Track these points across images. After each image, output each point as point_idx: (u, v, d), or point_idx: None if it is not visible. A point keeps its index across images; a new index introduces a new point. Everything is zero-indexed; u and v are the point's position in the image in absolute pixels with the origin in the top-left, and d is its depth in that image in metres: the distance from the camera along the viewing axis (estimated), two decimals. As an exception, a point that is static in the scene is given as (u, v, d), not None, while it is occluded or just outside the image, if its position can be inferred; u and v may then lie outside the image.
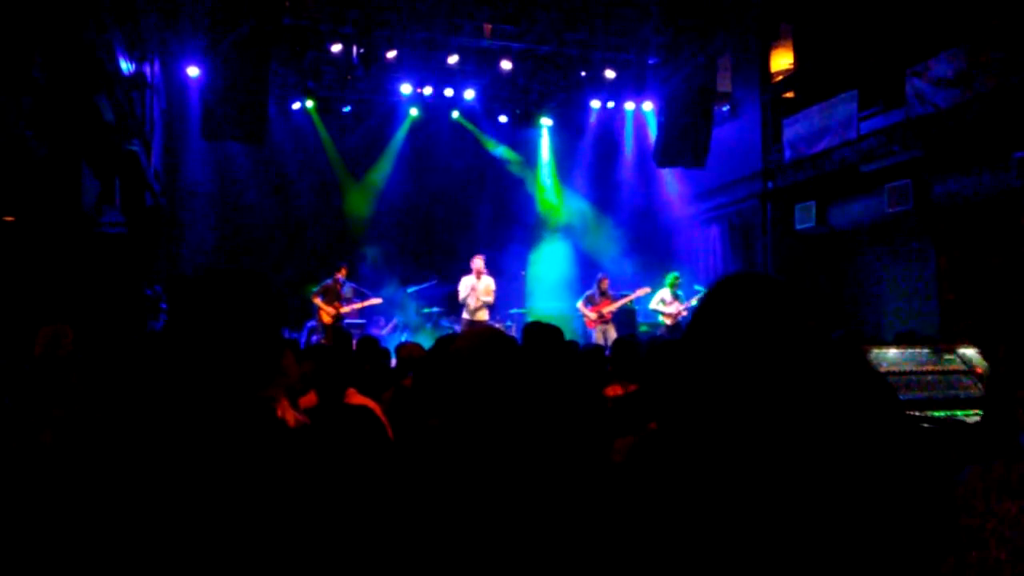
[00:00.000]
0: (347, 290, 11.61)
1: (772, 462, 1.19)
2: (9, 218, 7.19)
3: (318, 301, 11.36)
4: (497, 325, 12.15)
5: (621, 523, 1.38)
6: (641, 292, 11.89)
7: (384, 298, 12.43)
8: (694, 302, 11.37)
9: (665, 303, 11.57)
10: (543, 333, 3.05)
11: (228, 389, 1.40)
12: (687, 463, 1.22)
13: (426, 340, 8.05)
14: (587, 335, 12.03)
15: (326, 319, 11.26)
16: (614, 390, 4.44)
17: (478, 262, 11.11)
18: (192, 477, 1.31)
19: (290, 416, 2.62)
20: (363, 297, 11.78)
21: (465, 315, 11.25)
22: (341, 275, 11.48)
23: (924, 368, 4.15)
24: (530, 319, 12.39)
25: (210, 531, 1.30)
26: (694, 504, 1.19)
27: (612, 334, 11.26)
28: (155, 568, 1.28)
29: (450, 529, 1.85)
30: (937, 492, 1.30)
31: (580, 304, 11.91)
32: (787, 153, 12.46)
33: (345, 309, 11.38)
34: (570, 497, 1.81)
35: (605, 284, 11.84)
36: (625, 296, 11.92)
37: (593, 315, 11.60)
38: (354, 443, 3.25)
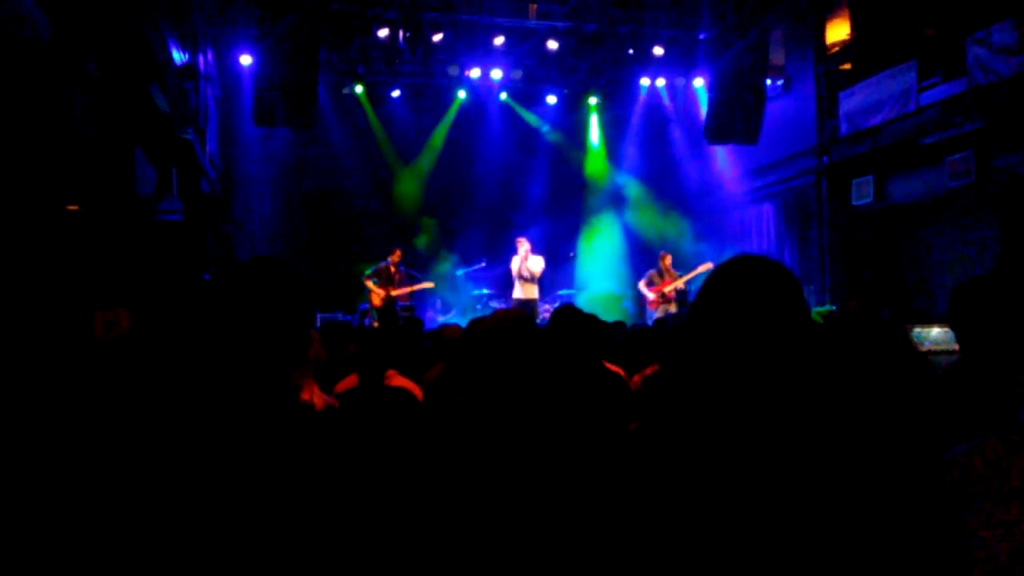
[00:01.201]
0: (400, 273, 11.76)
1: (751, 449, 1.19)
2: (73, 207, 7.46)
3: (370, 284, 11.50)
4: (545, 307, 12.17)
5: (623, 502, 1.39)
6: (704, 268, 11.28)
7: (435, 281, 12.54)
8: None
9: None
10: (568, 316, 3.06)
11: (256, 373, 1.45)
12: (676, 446, 1.23)
13: (473, 322, 8.09)
14: (644, 315, 11.88)
15: (376, 302, 11.41)
16: (654, 369, 4.42)
17: (524, 244, 11.11)
18: (217, 460, 1.37)
19: (318, 399, 2.68)
20: (414, 281, 11.90)
21: (515, 295, 11.28)
22: (395, 258, 11.59)
23: (969, 347, 3.99)
24: (579, 300, 12.38)
25: (233, 512, 1.35)
26: (680, 491, 1.20)
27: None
28: (186, 547, 1.33)
29: (468, 503, 1.90)
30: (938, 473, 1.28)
31: (642, 284, 11.59)
32: (843, 127, 12.12)
33: (396, 292, 11.51)
34: (584, 478, 1.83)
35: (668, 261, 11.41)
36: (687, 274, 11.38)
37: (653, 295, 11.34)
38: (390, 424, 3.32)
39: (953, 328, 1.79)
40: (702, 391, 1.24)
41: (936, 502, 1.24)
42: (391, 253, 11.64)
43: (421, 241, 14.29)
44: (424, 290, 12.61)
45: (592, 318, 3.77)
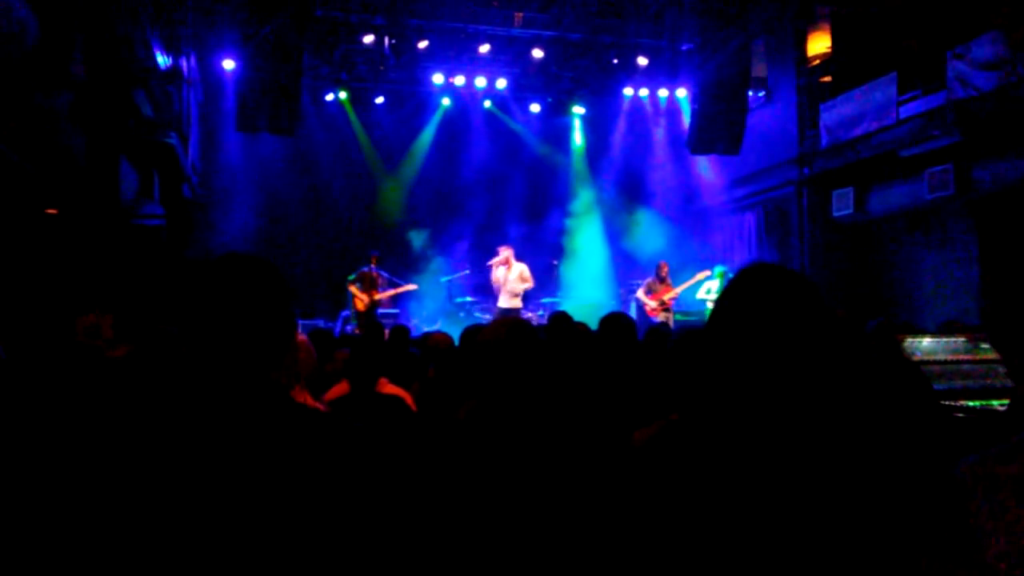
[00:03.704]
0: (382, 278, 11.72)
1: (785, 455, 1.18)
2: (52, 211, 7.36)
3: (354, 289, 11.44)
4: (529, 315, 12.15)
5: (637, 513, 1.38)
6: (701, 276, 11.37)
7: (419, 289, 12.48)
8: None
9: (711, 293, 11.26)
10: (567, 323, 3.06)
11: (238, 369, 1.41)
12: (704, 455, 1.22)
13: (459, 330, 8.04)
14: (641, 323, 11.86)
15: (360, 307, 11.34)
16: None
17: (505, 252, 11.00)
18: (205, 461, 1.33)
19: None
20: (396, 285, 11.85)
21: (500, 304, 11.21)
22: (374, 263, 11.56)
23: (960, 357, 4.09)
24: (563, 308, 12.37)
25: (224, 514, 1.31)
26: (709, 495, 1.19)
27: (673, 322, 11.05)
28: (177, 552, 1.30)
29: (473, 514, 1.88)
30: (948, 483, 1.28)
31: (640, 292, 11.56)
32: (824, 138, 12.26)
33: (379, 296, 11.46)
34: (591, 485, 1.82)
35: (665, 270, 11.34)
36: (685, 282, 11.39)
37: (654, 303, 11.30)
38: (384, 431, 3.29)
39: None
40: (728, 400, 1.23)
41: (949, 507, 1.24)
42: (371, 258, 11.59)
43: (405, 248, 14.24)
44: (409, 298, 12.55)
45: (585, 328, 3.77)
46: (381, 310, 11.73)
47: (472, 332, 3.95)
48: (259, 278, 1.45)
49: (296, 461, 1.37)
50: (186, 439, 1.33)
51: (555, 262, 13.93)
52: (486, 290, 12.06)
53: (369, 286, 11.41)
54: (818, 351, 1.19)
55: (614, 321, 3.19)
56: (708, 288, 11.28)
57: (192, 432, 1.34)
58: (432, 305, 13.24)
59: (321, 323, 12.15)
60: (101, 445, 1.37)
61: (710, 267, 11.52)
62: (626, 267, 14.30)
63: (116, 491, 1.31)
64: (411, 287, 12.00)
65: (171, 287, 9.11)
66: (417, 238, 14.36)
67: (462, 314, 12.76)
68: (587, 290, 13.80)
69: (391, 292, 11.69)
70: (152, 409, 1.37)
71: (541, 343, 2.18)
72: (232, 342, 1.41)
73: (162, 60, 8.81)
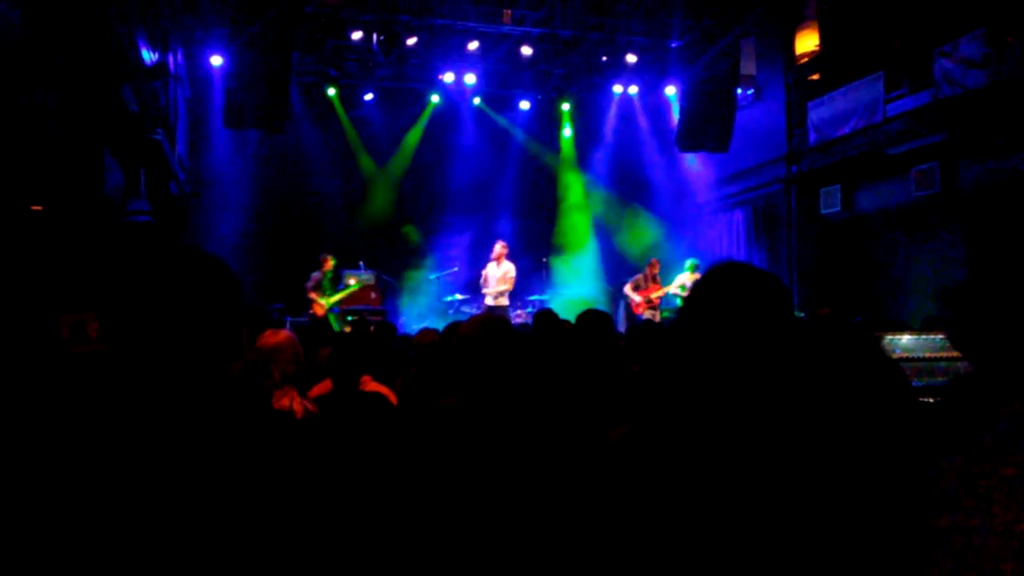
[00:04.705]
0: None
1: (744, 454, 1.19)
2: (37, 207, 7.31)
3: (313, 295, 11.09)
4: (518, 312, 12.16)
5: (609, 510, 1.39)
6: (692, 278, 11.37)
7: (407, 286, 12.40)
8: None
9: (686, 288, 11.29)
10: (552, 320, 3.07)
11: (185, 368, 1.39)
12: (666, 454, 1.23)
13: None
14: (626, 319, 11.91)
15: (319, 311, 10.98)
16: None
17: (498, 248, 11.06)
18: (160, 461, 1.31)
19: (297, 405, 2.64)
20: (345, 286, 11.45)
21: (486, 301, 11.25)
22: (327, 267, 11.10)
23: (939, 354, 4.12)
24: (551, 305, 12.39)
25: (148, 515, 1.29)
26: (671, 493, 1.20)
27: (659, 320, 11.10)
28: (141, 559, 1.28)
29: (452, 507, 1.88)
30: (927, 483, 1.29)
31: (627, 288, 11.61)
32: (812, 136, 12.31)
33: (334, 299, 11.11)
34: (569, 481, 1.83)
35: (656, 268, 11.45)
36: (673, 283, 11.48)
37: (640, 299, 11.38)
38: (367, 429, 3.29)
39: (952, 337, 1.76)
40: (688, 396, 1.24)
41: (916, 510, 1.24)
42: (323, 262, 11.12)
43: (394, 245, 14.21)
44: (397, 296, 12.47)
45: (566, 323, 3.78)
46: (369, 307, 11.65)
47: (452, 328, 3.95)
48: (199, 276, 1.43)
49: (221, 461, 1.35)
50: (114, 437, 1.30)
51: (544, 259, 13.94)
52: (475, 287, 12.06)
53: (324, 291, 11.04)
54: (780, 349, 1.20)
55: (589, 318, 3.20)
56: (682, 283, 11.30)
57: (121, 429, 1.31)
58: (422, 302, 13.23)
59: (308, 321, 12.07)
60: (31, 442, 1.35)
61: (697, 265, 11.54)
62: (615, 264, 14.34)
63: (36, 490, 1.28)
64: (352, 290, 11.59)
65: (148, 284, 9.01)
66: (407, 235, 14.34)
67: (451, 311, 12.76)
68: (576, 287, 13.82)
69: (341, 294, 11.29)
70: (85, 406, 1.35)
71: (518, 340, 2.19)
72: (168, 340, 1.38)
73: (148, 56, 8.75)
